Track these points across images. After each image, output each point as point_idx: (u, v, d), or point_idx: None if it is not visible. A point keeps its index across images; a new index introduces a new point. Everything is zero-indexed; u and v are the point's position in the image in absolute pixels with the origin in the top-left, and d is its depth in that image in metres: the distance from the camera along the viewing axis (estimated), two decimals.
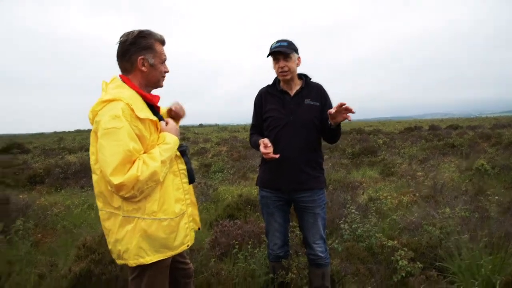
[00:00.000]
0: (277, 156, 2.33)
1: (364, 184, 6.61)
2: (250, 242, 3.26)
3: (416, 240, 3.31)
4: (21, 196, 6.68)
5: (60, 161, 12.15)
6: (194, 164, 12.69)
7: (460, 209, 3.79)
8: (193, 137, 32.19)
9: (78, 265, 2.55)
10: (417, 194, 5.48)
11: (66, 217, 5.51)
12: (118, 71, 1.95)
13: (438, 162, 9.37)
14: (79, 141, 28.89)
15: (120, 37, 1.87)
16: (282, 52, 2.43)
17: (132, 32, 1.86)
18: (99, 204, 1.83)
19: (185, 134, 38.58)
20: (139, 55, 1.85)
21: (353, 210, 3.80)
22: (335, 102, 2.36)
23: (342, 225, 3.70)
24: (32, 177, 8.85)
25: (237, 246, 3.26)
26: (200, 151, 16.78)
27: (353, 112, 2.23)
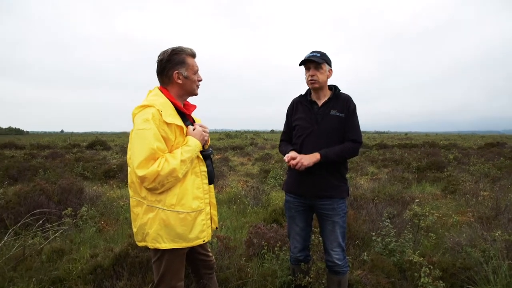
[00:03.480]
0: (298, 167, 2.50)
1: (417, 200, 6.31)
2: (277, 245, 3.41)
3: (449, 259, 3.17)
4: (94, 187, 7.56)
5: None
6: (255, 169, 13.11)
7: (509, 233, 3.53)
8: (261, 143, 32.80)
9: (120, 248, 2.94)
10: (471, 214, 5.13)
11: (129, 209, 6.11)
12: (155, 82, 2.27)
13: None
14: None
15: (158, 56, 2.18)
16: (314, 61, 2.57)
17: (166, 50, 2.16)
18: (131, 192, 2.14)
19: (254, 139, 39.49)
20: (174, 70, 2.15)
21: (386, 223, 3.74)
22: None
23: (374, 238, 3.67)
24: (107, 171, 9.91)
25: (265, 248, 3.43)
26: (265, 156, 17.18)
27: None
